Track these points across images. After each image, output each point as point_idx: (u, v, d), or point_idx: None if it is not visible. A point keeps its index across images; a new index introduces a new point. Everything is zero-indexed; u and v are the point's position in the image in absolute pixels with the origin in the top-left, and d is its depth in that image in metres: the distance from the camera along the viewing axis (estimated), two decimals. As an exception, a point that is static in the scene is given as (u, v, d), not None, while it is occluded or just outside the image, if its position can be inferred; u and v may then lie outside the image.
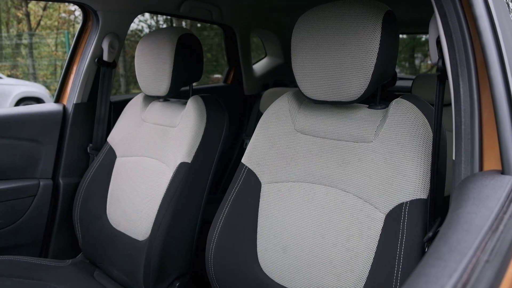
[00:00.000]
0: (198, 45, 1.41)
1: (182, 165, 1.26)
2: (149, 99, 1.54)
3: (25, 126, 1.54)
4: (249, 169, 1.12)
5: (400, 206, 0.86)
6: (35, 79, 10.47)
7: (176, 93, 1.39)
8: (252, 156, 1.13)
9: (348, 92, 0.93)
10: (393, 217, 0.87)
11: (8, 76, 9.17)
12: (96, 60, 1.62)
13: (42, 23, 11.65)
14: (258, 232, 1.07)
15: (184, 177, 1.25)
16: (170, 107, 1.43)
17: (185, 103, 1.41)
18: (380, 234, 0.89)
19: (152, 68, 1.37)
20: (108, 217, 1.45)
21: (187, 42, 1.36)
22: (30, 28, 11.45)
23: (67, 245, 1.64)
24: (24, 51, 11.12)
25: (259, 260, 1.05)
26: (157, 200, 1.29)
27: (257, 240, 1.06)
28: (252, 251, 1.06)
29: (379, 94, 1.01)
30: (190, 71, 1.40)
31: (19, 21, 11.87)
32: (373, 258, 0.88)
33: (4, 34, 11.63)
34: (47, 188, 1.58)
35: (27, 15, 11.32)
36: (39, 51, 11.05)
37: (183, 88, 1.42)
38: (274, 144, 1.11)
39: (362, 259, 0.90)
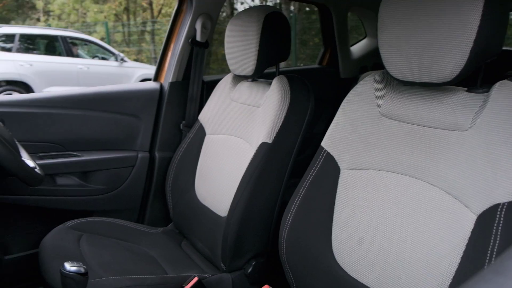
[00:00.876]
0: (286, 24, 1.37)
1: (262, 145, 1.25)
2: (238, 79, 1.56)
3: (127, 102, 1.68)
4: (328, 153, 1.06)
5: (495, 207, 0.73)
6: (156, 63, 11.47)
7: (262, 73, 1.38)
8: (332, 140, 1.07)
9: (441, 73, 0.81)
10: (486, 219, 0.74)
11: (134, 60, 10.18)
12: (189, 40, 1.68)
13: (163, 11, 12.68)
14: (334, 220, 1.01)
15: (264, 157, 1.24)
16: (256, 87, 1.43)
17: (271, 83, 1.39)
18: (468, 237, 0.77)
19: (239, 48, 1.37)
20: (196, 192, 1.52)
21: (274, 21, 1.32)
22: (152, 16, 12.55)
23: (161, 214, 1.76)
24: (147, 37, 12.24)
25: (333, 249, 1.00)
26: (238, 178, 1.31)
27: (332, 228, 1.01)
28: (326, 239, 1.01)
29: (481, 76, 0.86)
30: (277, 51, 1.37)
31: (144, 10, 13.08)
32: (459, 263, 0.77)
33: (132, 22, 12.95)
34: (144, 160, 1.72)
35: (150, 4, 12.41)
36: (160, 37, 12.05)
37: (269, 69, 1.40)
38: (356, 128, 1.03)
39: (445, 263, 0.79)
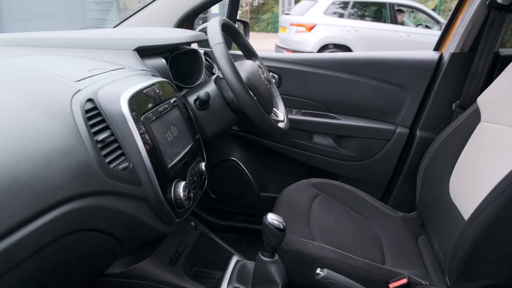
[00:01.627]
0: None
1: None
2: None
3: (397, 71, 1.55)
4: None
5: None
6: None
7: None
8: None
9: None
10: None
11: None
12: (487, 2, 1.34)
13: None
14: None
15: None
16: None
17: None
18: None
19: None
20: (450, 185, 1.29)
21: None
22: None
23: (406, 198, 1.61)
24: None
25: None
26: (497, 181, 1.01)
27: None
28: None
29: None
30: None
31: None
32: None
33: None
34: (402, 137, 1.58)
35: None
36: None
37: None
38: None
39: None
